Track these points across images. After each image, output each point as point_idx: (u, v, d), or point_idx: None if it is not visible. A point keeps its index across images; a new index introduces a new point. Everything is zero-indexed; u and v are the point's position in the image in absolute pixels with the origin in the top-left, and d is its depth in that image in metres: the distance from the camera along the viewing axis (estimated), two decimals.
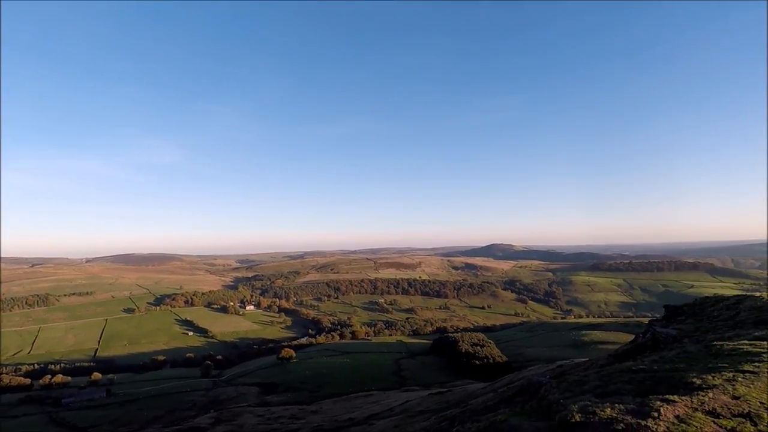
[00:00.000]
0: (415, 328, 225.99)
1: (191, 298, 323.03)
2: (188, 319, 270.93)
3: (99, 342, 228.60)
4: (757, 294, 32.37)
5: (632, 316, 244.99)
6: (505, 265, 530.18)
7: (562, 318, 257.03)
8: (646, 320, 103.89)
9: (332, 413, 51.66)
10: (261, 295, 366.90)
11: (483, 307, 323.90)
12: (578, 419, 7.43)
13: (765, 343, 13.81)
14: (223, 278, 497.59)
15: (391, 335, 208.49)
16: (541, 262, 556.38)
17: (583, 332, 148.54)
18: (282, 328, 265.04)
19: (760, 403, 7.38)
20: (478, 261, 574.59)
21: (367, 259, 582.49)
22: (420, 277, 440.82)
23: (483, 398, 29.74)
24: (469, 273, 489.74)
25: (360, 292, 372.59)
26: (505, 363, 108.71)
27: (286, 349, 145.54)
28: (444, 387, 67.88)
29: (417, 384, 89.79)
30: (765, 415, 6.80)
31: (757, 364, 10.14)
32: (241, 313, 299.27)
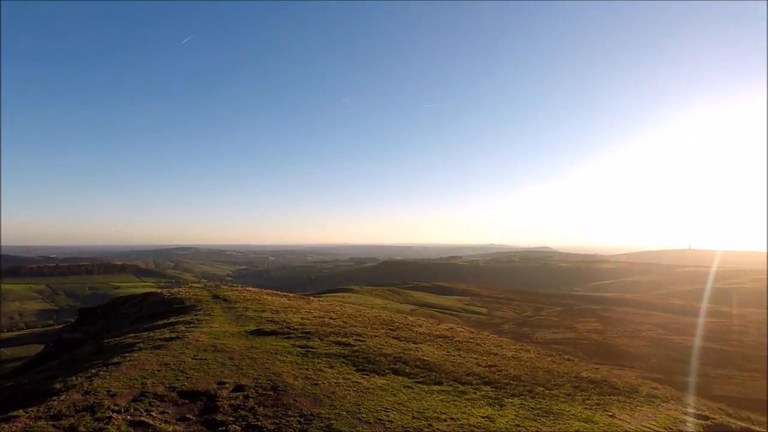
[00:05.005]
0: None
1: None
2: None
3: None
4: (159, 290, 37.69)
5: (53, 324, 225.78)
6: None
7: None
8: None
9: None
10: None
11: None
12: None
13: (145, 333, 16.00)
14: None
15: None
16: None
17: None
18: None
19: (107, 391, 8.22)
20: None
21: None
22: None
23: None
24: None
25: None
26: None
27: None
28: None
29: None
30: (106, 402, 7.62)
31: (125, 354, 11.36)
32: None
